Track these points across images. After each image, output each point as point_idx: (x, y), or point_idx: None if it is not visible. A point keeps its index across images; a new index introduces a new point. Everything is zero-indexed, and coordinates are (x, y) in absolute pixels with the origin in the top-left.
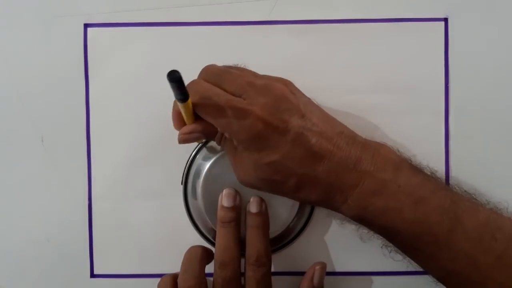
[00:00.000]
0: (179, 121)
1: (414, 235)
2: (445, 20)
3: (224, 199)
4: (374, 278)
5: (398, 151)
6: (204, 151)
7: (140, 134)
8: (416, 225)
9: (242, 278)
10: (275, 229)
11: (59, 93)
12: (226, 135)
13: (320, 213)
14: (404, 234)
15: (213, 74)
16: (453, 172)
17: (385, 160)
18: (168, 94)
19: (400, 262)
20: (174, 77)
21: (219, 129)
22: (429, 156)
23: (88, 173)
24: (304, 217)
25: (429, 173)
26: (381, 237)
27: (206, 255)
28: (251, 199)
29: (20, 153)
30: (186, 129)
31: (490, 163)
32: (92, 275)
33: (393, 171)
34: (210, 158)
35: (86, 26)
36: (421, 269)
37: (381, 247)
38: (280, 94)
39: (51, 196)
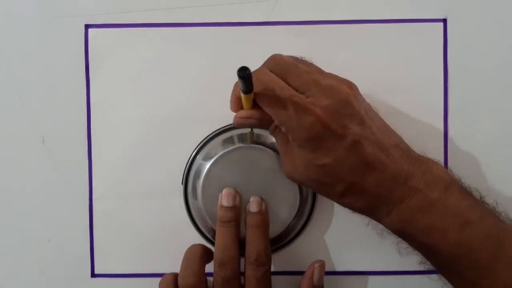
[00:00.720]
0: (236, 104)
1: (455, 257)
2: (444, 21)
3: (224, 199)
4: (374, 278)
5: (451, 170)
6: (204, 151)
7: (140, 134)
8: (459, 247)
9: (242, 278)
10: (275, 229)
11: (60, 94)
12: (283, 129)
13: (320, 213)
14: (444, 255)
15: (279, 65)
16: (452, 172)
17: (435, 179)
18: (168, 94)
19: (400, 262)
20: (244, 75)
21: (276, 122)
22: (428, 156)
23: (88, 173)
24: (304, 217)
25: (478, 197)
26: (385, 235)
27: (206, 254)
28: (251, 199)
29: (21, 153)
30: (244, 113)
31: (489, 163)
32: (93, 275)
33: (442, 191)
34: (210, 158)
35: (87, 26)
36: (421, 269)
37: (397, 244)
38: (345, 98)
39: (51, 196)
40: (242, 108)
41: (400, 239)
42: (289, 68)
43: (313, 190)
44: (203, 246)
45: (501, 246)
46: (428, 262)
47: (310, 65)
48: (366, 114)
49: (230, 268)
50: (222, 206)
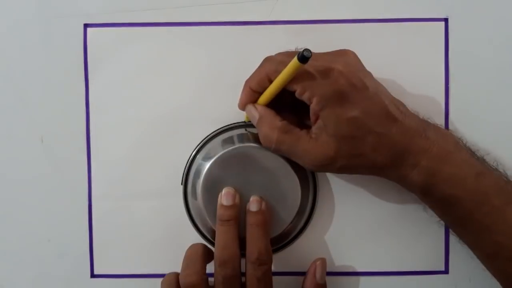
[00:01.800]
0: (248, 97)
1: (474, 204)
2: (445, 20)
3: (224, 198)
4: (374, 278)
5: (450, 130)
6: (204, 151)
7: (140, 134)
8: (477, 195)
9: (243, 278)
10: (275, 229)
11: (59, 93)
12: (306, 97)
13: (320, 213)
14: (464, 203)
15: (289, 52)
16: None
17: (445, 135)
18: (168, 94)
19: (400, 262)
20: (309, 56)
21: (298, 91)
22: None
23: (88, 173)
24: (305, 217)
25: (480, 157)
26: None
27: (207, 253)
28: (251, 198)
29: (20, 153)
30: (258, 107)
31: (490, 162)
32: (92, 275)
33: (454, 146)
34: (210, 158)
35: (86, 26)
36: (421, 269)
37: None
38: (354, 56)
39: (51, 196)
40: (251, 101)
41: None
42: (295, 52)
43: (344, 164)
44: (204, 245)
45: (510, 195)
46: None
47: None
48: (370, 73)
49: (230, 267)
50: (221, 205)
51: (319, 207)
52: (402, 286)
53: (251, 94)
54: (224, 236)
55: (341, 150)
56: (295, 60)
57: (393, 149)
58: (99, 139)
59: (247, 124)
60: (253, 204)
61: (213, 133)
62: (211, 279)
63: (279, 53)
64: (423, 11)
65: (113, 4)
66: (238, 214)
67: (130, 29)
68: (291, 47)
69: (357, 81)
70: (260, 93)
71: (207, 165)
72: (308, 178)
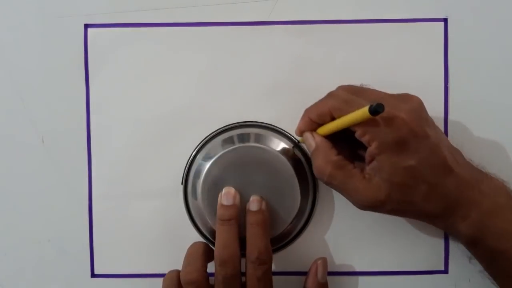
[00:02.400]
0: (307, 126)
1: None
2: (445, 20)
3: (223, 198)
4: (375, 278)
5: (504, 181)
6: (204, 151)
7: (140, 134)
8: None
9: (244, 277)
10: (275, 229)
11: (59, 93)
12: (365, 139)
13: (320, 213)
14: None
15: (351, 87)
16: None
17: (498, 186)
18: (168, 94)
19: (400, 262)
20: (380, 110)
21: (359, 133)
22: None
23: (88, 173)
24: (304, 217)
25: None
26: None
27: (209, 252)
28: (251, 198)
29: (20, 153)
30: (316, 137)
31: (489, 163)
32: (93, 275)
33: (506, 199)
34: (210, 158)
35: (86, 26)
36: (421, 269)
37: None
38: (419, 103)
39: (51, 196)
40: (309, 129)
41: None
42: (360, 88)
43: (394, 207)
44: (206, 244)
45: None
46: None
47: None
48: (432, 121)
49: (230, 267)
50: (221, 205)
51: (319, 207)
52: (402, 286)
53: (310, 124)
54: (224, 236)
55: (392, 196)
56: (365, 111)
57: (445, 200)
58: (99, 139)
59: (297, 144)
60: (253, 204)
61: (213, 133)
62: (212, 278)
63: (342, 88)
64: (423, 11)
65: (114, 4)
66: (238, 214)
67: (130, 30)
68: (291, 47)
69: (419, 130)
70: (319, 124)
71: (207, 165)
72: (308, 178)
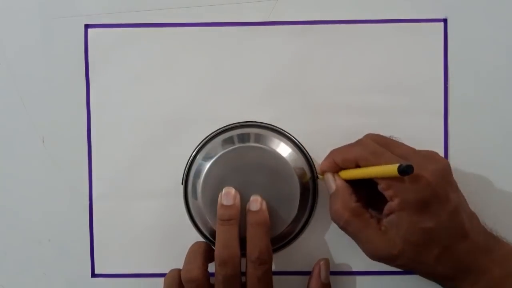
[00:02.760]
0: (330, 167)
1: None
2: (444, 21)
3: (224, 198)
4: (375, 278)
5: None
6: (204, 151)
7: (140, 135)
8: None
9: (244, 277)
10: (275, 229)
11: (59, 94)
12: (388, 194)
13: (320, 213)
14: None
15: (379, 138)
16: (452, 172)
17: (509, 254)
18: (168, 94)
19: None
20: (410, 171)
21: (382, 186)
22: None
23: (88, 173)
24: (304, 217)
25: None
26: None
27: (210, 251)
28: (251, 198)
29: (21, 154)
30: (337, 180)
31: (489, 163)
32: (93, 275)
33: None
34: (210, 158)
35: (87, 26)
36: None
37: None
38: (445, 164)
39: (52, 196)
40: (332, 171)
41: None
42: (388, 140)
43: (404, 262)
44: (207, 244)
45: None
46: None
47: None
48: (457, 183)
49: (231, 267)
50: (222, 205)
51: (319, 207)
52: (402, 286)
53: (333, 166)
54: (224, 236)
55: (405, 253)
56: (394, 169)
57: (456, 264)
58: (100, 139)
59: (316, 178)
60: (253, 204)
61: (213, 133)
62: (212, 278)
63: (371, 138)
64: (422, 11)
65: (114, 4)
66: (238, 214)
67: (131, 30)
68: (291, 47)
69: (442, 193)
70: (342, 168)
71: (207, 165)
72: (308, 178)
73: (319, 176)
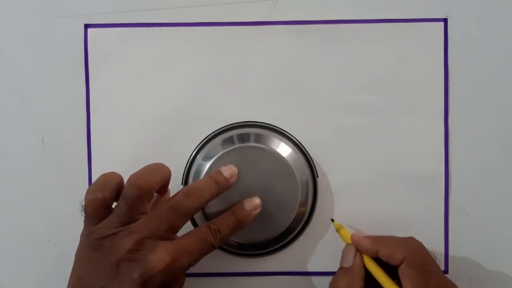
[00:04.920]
0: (368, 247)
1: None
2: (445, 20)
3: (225, 168)
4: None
5: None
6: (204, 151)
7: (140, 134)
8: None
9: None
10: (275, 229)
11: (59, 93)
12: (393, 262)
13: (320, 213)
14: None
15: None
16: (452, 172)
17: None
18: (168, 94)
19: None
20: None
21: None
22: (429, 156)
23: (88, 173)
24: (304, 217)
25: None
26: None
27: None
28: (255, 198)
29: (20, 153)
30: (356, 258)
31: (489, 163)
32: None
33: None
34: (210, 158)
35: (87, 26)
36: None
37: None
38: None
39: (51, 196)
40: (363, 249)
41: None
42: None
43: None
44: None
45: None
46: None
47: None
48: None
49: (194, 199)
50: (219, 171)
51: (319, 207)
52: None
53: (370, 251)
54: (198, 184)
55: None
56: None
57: None
58: (100, 139)
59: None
60: (250, 203)
61: (213, 133)
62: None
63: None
64: (423, 11)
65: (114, 4)
66: (225, 188)
67: (130, 30)
68: (291, 47)
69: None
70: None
71: (207, 165)
72: (308, 178)
73: (335, 223)
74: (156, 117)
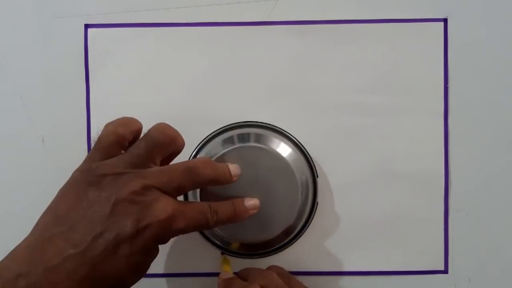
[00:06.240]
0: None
1: None
2: (445, 20)
3: (233, 166)
4: (375, 278)
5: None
6: (204, 151)
7: (140, 134)
8: None
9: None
10: (275, 229)
11: (59, 94)
12: None
13: (321, 213)
14: None
15: (284, 273)
16: (452, 172)
17: None
18: (168, 94)
19: (400, 262)
20: None
21: None
22: (429, 156)
23: None
24: (304, 217)
25: None
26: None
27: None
28: (255, 199)
29: (20, 153)
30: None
31: (489, 163)
32: None
33: None
34: (210, 158)
35: (87, 26)
36: (421, 269)
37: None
38: None
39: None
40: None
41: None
42: (291, 279)
43: None
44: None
45: None
46: None
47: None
48: None
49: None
50: (227, 165)
51: (319, 207)
52: (402, 286)
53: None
54: (202, 159)
55: None
56: None
57: None
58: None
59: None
60: (249, 202)
61: (213, 133)
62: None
63: (275, 271)
64: (423, 11)
65: (114, 4)
66: (227, 182)
67: (130, 30)
68: (291, 47)
69: None
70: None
71: None
72: (308, 178)
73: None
74: (156, 117)
